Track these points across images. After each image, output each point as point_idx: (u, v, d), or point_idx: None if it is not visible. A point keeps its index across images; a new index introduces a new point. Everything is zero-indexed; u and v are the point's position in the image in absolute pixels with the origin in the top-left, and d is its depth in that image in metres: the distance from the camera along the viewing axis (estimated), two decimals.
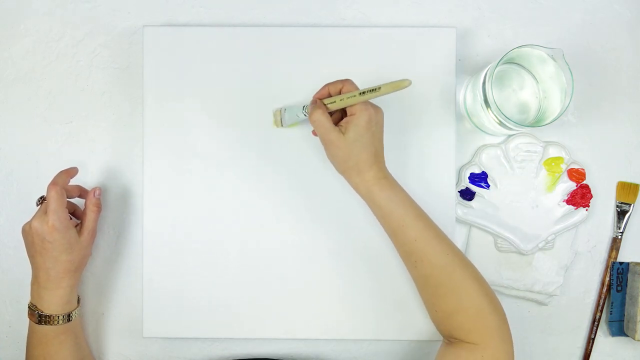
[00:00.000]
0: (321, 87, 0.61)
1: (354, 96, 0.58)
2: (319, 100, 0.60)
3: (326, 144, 0.59)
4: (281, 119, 0.66)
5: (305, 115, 0.63)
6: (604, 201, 0.70)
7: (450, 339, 0.58)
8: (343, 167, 0.60)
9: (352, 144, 0.57)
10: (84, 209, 0.65)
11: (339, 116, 0.62)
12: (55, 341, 0.62)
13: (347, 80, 0.60)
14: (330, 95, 0.60)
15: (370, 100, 0.60)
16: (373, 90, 0.57)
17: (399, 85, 0.55)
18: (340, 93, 0.59)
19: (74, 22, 0.70)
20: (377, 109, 0.59)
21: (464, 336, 0.56)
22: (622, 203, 0.69)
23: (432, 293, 0.59)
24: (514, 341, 0.69)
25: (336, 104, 0.59)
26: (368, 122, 0.57)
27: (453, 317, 0.57)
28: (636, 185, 0.69)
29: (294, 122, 0.65)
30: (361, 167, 0.59)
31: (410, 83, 0.54)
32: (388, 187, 0.59)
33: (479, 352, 0.55)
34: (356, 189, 0.60)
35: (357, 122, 0.57)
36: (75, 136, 0.70)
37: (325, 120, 0.58)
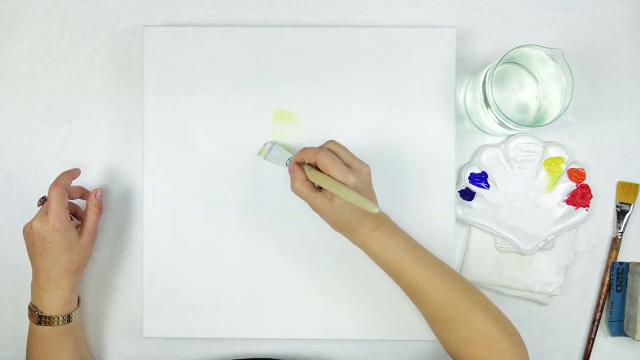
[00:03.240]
0: (299, 151, 0.60)
1: (332, 184, 0.56)
2: (297, 167, 0.59)
3: (315, 211, 0.59)
4: (267, 152, 0.66)
5: (287, 165, 0.64)
6: (604, 201, 0.70)
7: None
8: (335, 227, 0.60)
9: (340, 209, 0.57)
10: (85, 210, 0.65)
11: None
12: (55, 342, 0.62)
13: (321, 151, 0.57)
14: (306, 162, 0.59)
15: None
16: (348, 193, 0.55)
17: (366, 206, 0.53)
18: (315, 163, 0.58)
19: (74, 22, 0.70)
20: (358, 172, 0.57)
21: None
22: (622, 203, 0.69)
23: (442, 328, 0.59)
24: None
25: (315, 178, 0.58)
26: (353, 190, 0.56)
27: (466, 349, 0.57)
28: (636, 185, 0.69)
29: (276, 164, 0.66)
30: (353, 226, 0.59)
31: (378, 211, 0.53)
32: (383, 237, 0.59)
33: None
34: (352, 242, 0.60)
35: None
36: (75, 136, 0.70)
37: (306, 191, 0.58)
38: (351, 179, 0.56)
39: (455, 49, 0.67)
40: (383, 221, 0.59)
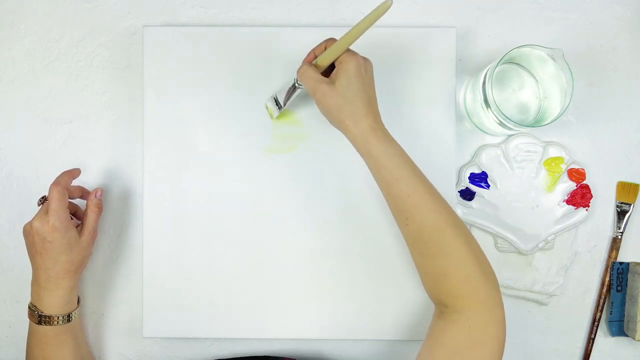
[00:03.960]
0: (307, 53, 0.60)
1: (339, 44, 0.57)
2: (311, 55, 0.60)
3: (318, 97, 0.58)
4: (275, 102, 0.65)
5: (296, 84, 0.62)
6: (604, 201, 0.70)
7: (440, 307, 0.57)
8: (338, 117, 0.57)
9: (344, 91, 0.56)
10: (85, 210, 0.65)
11: (329, 73, 0.60)
12: (55, 341, 0.62)
13: (330, 39, 0.59)
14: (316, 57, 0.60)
15: None
16: (355, 26, 0.56)
17: (379, 11, 0.53)
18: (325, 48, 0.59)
19: (74, 22, 0.70)
20: (365, 58, 0.58)
21: (452, 302, 0.54)
22: (622, 203, 0.69)
23: (422, 253, 0.57)
24: (514, 340, 0.69)
25: (324, 58, 0.58)
26: (357, 69, 0.56)
27: (442, 280, 0.55)
28: (636, 185, 0.69)
29: (286, 98, 0.64)
30: (357, 115, 0.57)
31: (391, 3, 0.52)
32: (384, 138, 0.57)
33: (467, 321, 0.53)
34: (353, 140, 0.58)
35: (345, 69, 0.56)
36: (75, 136, 0.70)
37: (313, 72, 0.58)
38: (358, 58, 0.57)
39: (455, 49, 0.67)
40: (383, 125, 0.58)
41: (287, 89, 0.63)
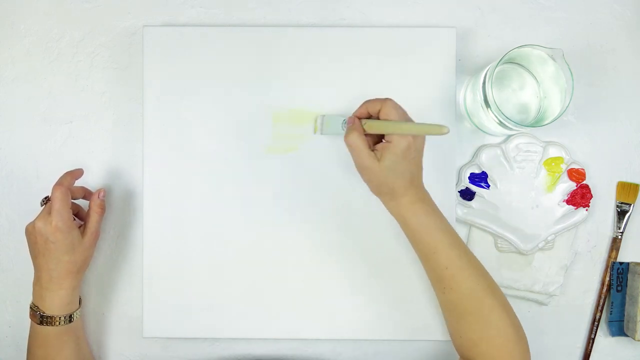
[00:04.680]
0: (360, 104, 0.58)
1: (392, 126, 0.55)
2: (357, 121, 0.58)
3: (360, 169, 0.57)
4: (321, 126, 0.65)
5: (344, 130, 0.62)
6: (604, 201, 0.70)
7: None
8: (377, 191, 0.58)
9: (387, 171, 0.55)
10: (88, 210, 0.65)
11: (376, 137, 0.59)
12: (57, 342, 0.62)
13: (387, 101, 0.56)
14: (369, 115, 0.58)
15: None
16: (414, 125, 0.55)
17: (435, 130, 0.53)
18: (378, 114, 0.57)
19: (74, 22, 0.70)
20: (417, 135, 0.56)
21: None
22: (622, 203, 0.69)
23: (459, 320, 0.58)
24: None
25: (374, 128, 0.56)
26: (406, 151, 0.55)
27: (478, 346, 0.56)
28: (636, 185, 0.69)
29: (333, 133, 0.64)
30: (395, 193, 0.57)
31: (447, 132, 0.53)
32: (422, 212, 0.57)
33: None
34: (390, 211, 0.59)
35: (394, 150, 0.55)
36: (75, 136, 0.70)
37: (361, 145, 0.56)
38: (409, 137, 0.55)
39: (455, 49, 0.67)
40: (425, 196, 0.58)
41: (334, 125, 0.63)
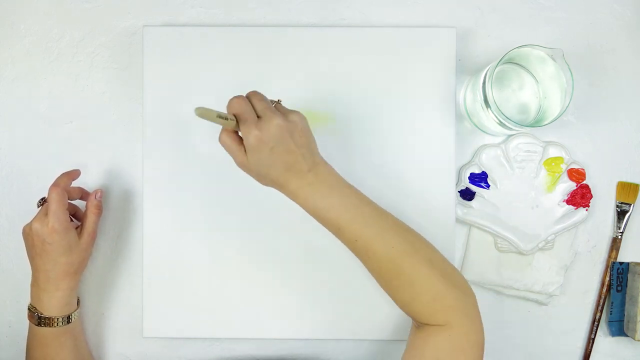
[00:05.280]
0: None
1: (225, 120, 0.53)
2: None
3: (238, 166, 0.56)
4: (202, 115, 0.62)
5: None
6: (604, 201, 0.70)
7: (417, 323, 0.57)
8: (263, 183, 0.57)
9: (256, 165, 0.54)
10: (85, 211, 0.65)
11: None
12: (55, 343, 0.62)
13: (233, 98, 0.54)
14: None
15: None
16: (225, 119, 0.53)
17: (220, 123, 0.52)
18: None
19: (74, 22, 0.70)
20: (265, 126, 0.53)
21: (427, 320, 0.55)
22: (622, 203, 0.69)
23: (387, 285, 0.57)
24: (514, 340, 0.69)
25: (225, 123, 0.54)
26: (257, 144, 0.53)
27: (411, 305, 0.56)
28: (636, 185, 0.69)
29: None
30: (277, 183, 0.56)
31: (233, 126, 0.52)
32: (314, 193, 0.56)
33: (445, 332, 0.54)
34: (287, 197, 0.58)
35: (247, 145, 0.54)
36: (76, 136, 0.70)
37: (229, 143, 0.55)
38: (254, 131, 0.52)
39: (455, 49, 0.67)
40: (316, 177, 0.56)
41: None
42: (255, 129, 0.53)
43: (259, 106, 0.54)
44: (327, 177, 0.57)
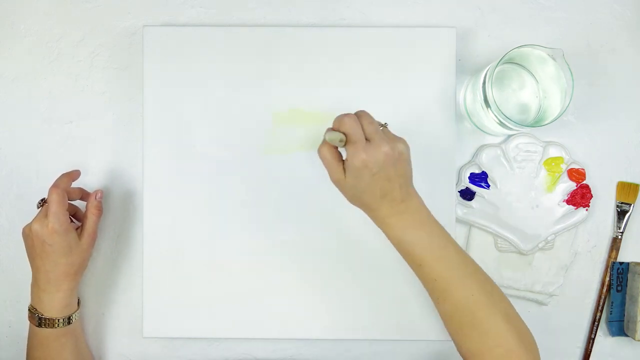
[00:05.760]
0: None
1: (335, 139, 0.54)
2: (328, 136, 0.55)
3: (333, 182, 0.57)
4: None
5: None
6: (604, 201, 0.70)
7: None
8: (353, 203, 0.57)
9: (352, 187, 0.55)
10: (85, 212, 0.65)
11: None
12: (56, 344, 0.62)
13: (345, 116, 0.54)
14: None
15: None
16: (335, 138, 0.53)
17: (332, 137, 0.53)
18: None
19: (74, 22, 0.70)
20: (373, 151, 0.53)
21: None
22: (622, 203, 0.69)
23: (457, 331, 0.56)
24: None
25: (331, 140, 0.54)
26: (361, 167, 0.53)
27: (478, 357, 0.54)
28: (636, 185, 0.69)
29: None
30: (369, 207, 0.56)
31: (341, 141, 0.53)
32: (403, 224, 0.55)
33: None
34: (372, 221, 0.58)
35: (349, 167, 0.54)
36: (75, 136, 0.70)
37: (329, 158, 0.55)
38: (361, 154, 0.53)
39: (455, 49, 0.67)
40: (407, 208, 0.56)
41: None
42: (363, 152, 0.53)
43: (368, 129, 0.54)
44: (418, 210, 0.57)
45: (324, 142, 0.55)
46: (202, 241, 0.67)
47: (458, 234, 0.69)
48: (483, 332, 0.54)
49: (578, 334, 0.70)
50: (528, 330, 0.56)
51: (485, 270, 0.68)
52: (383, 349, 0.70)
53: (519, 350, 0.53)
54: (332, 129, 0.55)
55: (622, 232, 0.69)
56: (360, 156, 0.53)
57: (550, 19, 0.70)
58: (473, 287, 0.55)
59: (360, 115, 0.55)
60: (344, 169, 0.55)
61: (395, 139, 0.56)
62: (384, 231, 0.57)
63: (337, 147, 0.56)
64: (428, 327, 0.67)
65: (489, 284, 0.56)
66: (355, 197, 0.56)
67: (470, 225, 0.69)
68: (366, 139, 0.54)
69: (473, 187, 0.68)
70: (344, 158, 0.55)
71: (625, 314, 0.68)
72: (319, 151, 0.56)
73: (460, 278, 0.55)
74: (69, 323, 0.63)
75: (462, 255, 0.57)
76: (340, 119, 0.54)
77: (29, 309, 0.62)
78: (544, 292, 0.68)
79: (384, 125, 0.58)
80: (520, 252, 0.68)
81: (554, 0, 0.70)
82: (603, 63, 0.70)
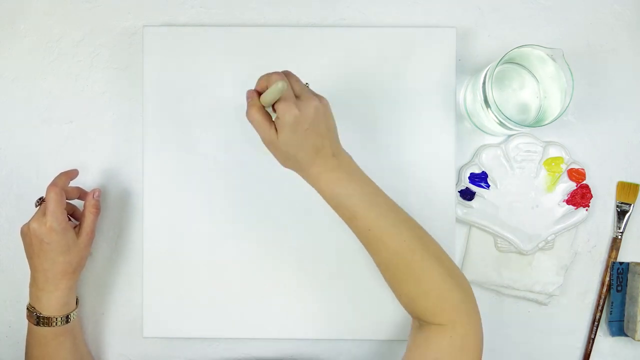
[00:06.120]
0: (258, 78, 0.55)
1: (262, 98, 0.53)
2: (255, 94, 0.55)
3: (265, 144, 0.55)
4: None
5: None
6: (604, 201, 0.70)
7: (419, 321, 0.58)
8: (284, 164, 0.57)
9: (285, 145, 0.54)
10: (83, 211, 0.65)
11: None
12: (54, 342, 0.62)
13: (272, 75, 0.53)
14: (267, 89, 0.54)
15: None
16: (264, 94, 0.52)
17: (276, 89, 0.51)
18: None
19: (74, 22, 0.70)
20: (305, 105, 0.53)
21: (431, 319, 0.55)
22: (622, 203, 0.69)
23: (393, 279, 0.57)
24: (514, 340, 0.69)
25: (263, 100, 0.53)
26: (294, 123, 0.52)
27: (416, 302, 0.56)
28: (636, 185, 0.69)
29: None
30: (301, 165, 0.55)
31: (282, 86, 0.51)
32: (335, 180, 0.55)
33: (447, 332, 0.54)
34: (305, 179, 0.57)
35: (281, 124, 0.53)
36: (75, 136, 0.70)
37: (259, 119, 0.54)
38: (293, 109, 0.52)
39: (455, 49, 0.67)
40: (339, 163, 0.56)
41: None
42: (295, 107, 0.53)
43: (296, 86, 0.54)
44: (348, 165, 0.57)
45: (252, 104, 0.55)
46: (202, 241, 0.67)
47: (458, 234, 0.69)
48: (417, 277, 0.55)
49: (578, 333, 0.70)
50: (459, 271, 0.58)
51: (484, 270, 0.68)
52: (383, 349, 0.70)
53: (453, 291, 0.55)
54: (257, 90, 0.55)
55: (622, 232, 0.69)
56: (293, 111, 0.52)
57: (550, 19, 0.70)
58: (405, 234, 0.56)
59: (287, 74, 0.55)
60: (275, 129, 0.54)
61: (320, 95, 0.56)
62: (317, 188, 0.56)
63: (264, 109, 0.55)
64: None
65: (420, 230, 0.57)
66: (288, 157, 0.55)
67: (470, 225, 0.69)
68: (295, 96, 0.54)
69: (473, 187, 0.68)
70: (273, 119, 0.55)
71: (625, 314, 0.68)
72: (248, 114, 0.55)
73: (393, 225, 0.56)
74: (67, 322, 0.63)
75: (392, 204, 0.57)
76: (267, 76, 0.54)
77: (27, 308, 0.62)
78: (544, 292, 0.68)
79: (306, 85, 0.57)
80: (520, 252, 0.68)
81: (553, 0, 0.70)
82: (603, 63, 0.70)
